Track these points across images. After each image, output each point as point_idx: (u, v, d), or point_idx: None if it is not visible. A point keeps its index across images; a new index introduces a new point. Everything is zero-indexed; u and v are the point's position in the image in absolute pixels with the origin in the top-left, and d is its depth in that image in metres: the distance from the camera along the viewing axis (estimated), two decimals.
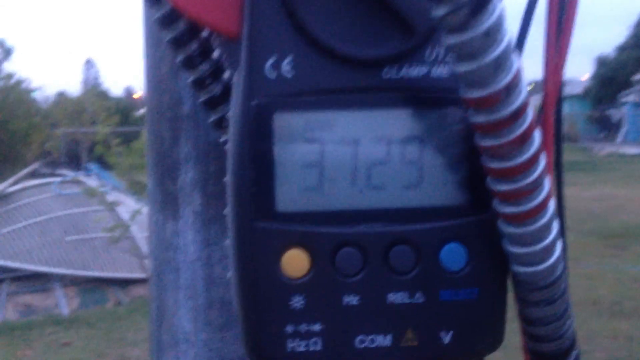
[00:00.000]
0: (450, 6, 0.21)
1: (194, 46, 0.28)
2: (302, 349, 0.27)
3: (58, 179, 5.20)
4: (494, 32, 0.21)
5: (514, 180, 0.24)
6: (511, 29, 0.22)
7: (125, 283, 3.70)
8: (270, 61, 0.26)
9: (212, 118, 0.31)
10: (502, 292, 0.28)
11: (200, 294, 0.37)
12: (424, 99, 0.27)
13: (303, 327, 0.27)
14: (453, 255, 0.27)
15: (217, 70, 0.29)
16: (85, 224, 4.19)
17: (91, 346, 2.77)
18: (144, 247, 3.67)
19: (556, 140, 0.30)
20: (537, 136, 0.24)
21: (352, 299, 0.27)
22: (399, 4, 0.26)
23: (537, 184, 0.24)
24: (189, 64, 0.29)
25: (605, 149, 13.05)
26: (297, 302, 0.27)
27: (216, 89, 0.29)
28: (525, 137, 0.23)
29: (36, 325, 3.04)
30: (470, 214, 0.27)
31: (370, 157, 0.27)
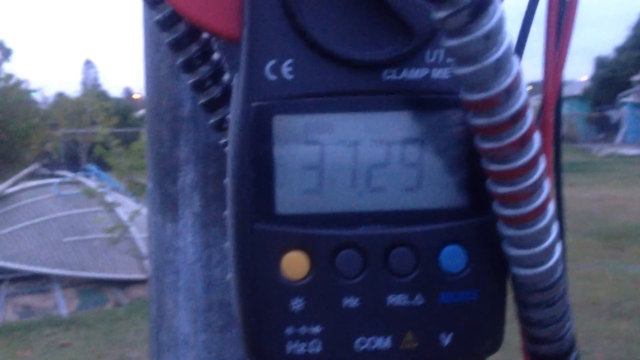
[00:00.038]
0: (451, 9, 0.21)
1: (194, 48, 0.28)
2: (301, 351, 0.27)
3: (57, 179, 5.20)
4: (494, 34, 0.21)
5: (513, 182, 0.24)
6: (511, 31, 0.22)
7: (124, 284, 3.69)
8: (270, 64, 0.26)
9: (212, 120, 0.31)
10: (502, 294, 0.28)
11: (199, 295, 0.37)
12: (424, 101, 0.27)
13: (303, 330, 0.27)
14: (453, 258, 0.27)
15: (217, 73, 0.29)
16: (85, 225, 4.19)
17: (90, 347, 2.76)
18: (143, 248, 3.67)
19: (555, 141, 0.30)
20: (536, 139, 0.24)
21: (351, 301, 0.27)
22: (399, 6, 0.26)
23: (537, 187, 0.24)
24: (189, 66, 0.29)
25: (605, 149, 13.06)
26: (297, 304, 0.27)
27: (216, 91, 0.29)
28: (525, 139, 0.23)
29: (35, 326, 3.03)
30: (470, 216, 0.27)
31: (370, 160, 0.27)
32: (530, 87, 0.27)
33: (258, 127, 0.26)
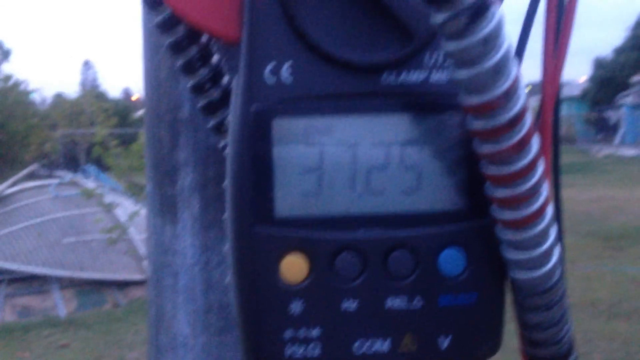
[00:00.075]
0: (450, 13, 0.21)
1: (193, 51, 0.28)
2: (300, 354, 0.27)
3: (56, 180, 5.20)
4: (493, 38, 0.21)
5: (512, 186, 0.24)
6: (510, 34, 0.23)
7: (123, 285, 3.69)
8: (269, 66, 0.26)
9: (211, 123, 0.31)
10: (501, 297, 0.28)
11: (198, 298, 0.37)
12: (422, 104, 0.27)
13: (302, 332, 0.27)
14: (452, 260, 0.27)
15: (216, 75, 0.29)
16: (83, 226, 4.19)
17: (89, 348, 2.76)
18: (142, 248, 3.67)
19: (554, 143, 0.30)
20: (535, 142, 0.24)
21: (350, 304, 0.27)
22: (398, 9, 0.26)
23: (535, 190, 0.24)
24: (189, 68, 0.29)
25: (603, 150, 13.06)
26: (296, 307, 0.27)
27: (215, 93, 0.29)
28: (524, 143, 0.23)
29: (34, 327, 3.03)
30: (468, 219, 0.27)
31: (369, 162, 0.27)
32: (529, 88, 0.27)
33: (257, 130, 0.26)
